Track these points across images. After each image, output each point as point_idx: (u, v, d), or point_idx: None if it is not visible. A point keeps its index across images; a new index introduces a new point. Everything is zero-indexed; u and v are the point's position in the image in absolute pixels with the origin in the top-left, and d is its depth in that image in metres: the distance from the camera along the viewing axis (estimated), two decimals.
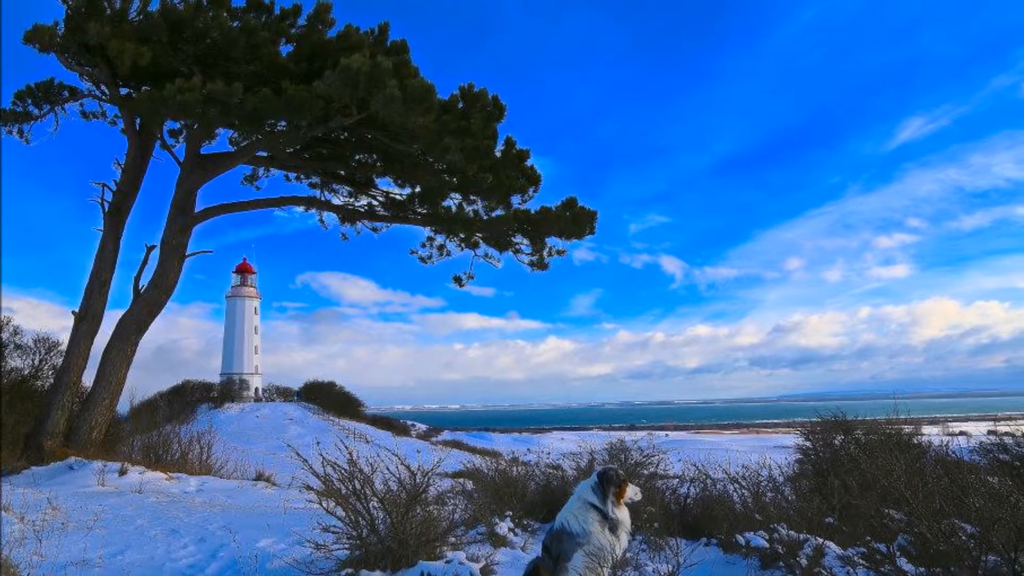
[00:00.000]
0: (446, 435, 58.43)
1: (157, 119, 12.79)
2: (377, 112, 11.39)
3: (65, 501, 8.18)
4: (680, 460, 10.11)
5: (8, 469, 10.85)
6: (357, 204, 15.83)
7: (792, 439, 14.19)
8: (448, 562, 4.68)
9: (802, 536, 5.34)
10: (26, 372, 14.67)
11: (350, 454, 5.33)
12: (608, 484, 4.02)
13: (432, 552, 4.97)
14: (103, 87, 13.35)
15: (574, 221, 13.73)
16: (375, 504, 5.03)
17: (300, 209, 16.11)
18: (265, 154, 14.97)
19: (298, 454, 5.66)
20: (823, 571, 4.79)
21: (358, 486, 5.07)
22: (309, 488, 5.33)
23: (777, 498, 7.29)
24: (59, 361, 13.76)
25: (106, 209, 13.73)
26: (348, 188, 15.84)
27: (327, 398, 54.49)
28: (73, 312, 13.31)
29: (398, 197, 15.24)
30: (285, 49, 13.17)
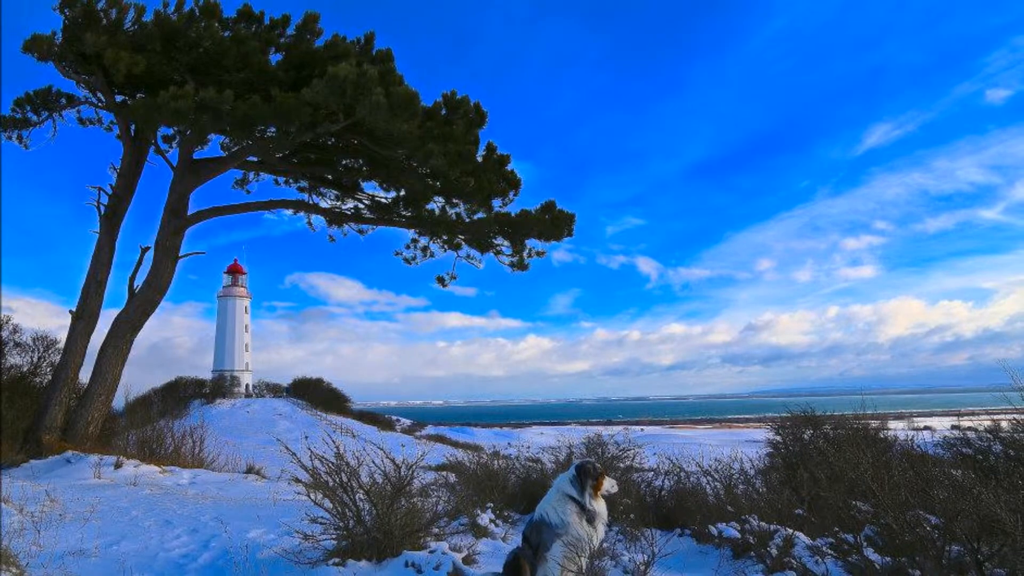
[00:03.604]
0: (430, 430, 59.01)
1: (151, 125, 12.87)
2: (363, 118, 11.54)
3: (63, 493, 8.31)
4: (655, 454, 10.27)
5: (7, 463, 10.95)
6: (344, 207, 15.88)
7: (763, 433, 14.46)
8: (431, 552, 4.81)
9: (772, 527, 5.53)
10: (25, 369, 14.73)
11: (337, 448, 5.37)
12: (586, 477, 4.10)
13: (416, 542, 5.08)
14: (99, 94, 13.50)
15: (553, 223, 13.87)
16: (361, 496, 5.09)
17: (289, 212, 16.16)
18: (255, 159, 15.04)
19: (287, 448, 5.73)
20: (793, 561, 4.88)
21: (345, 479, 5.13)
22: (297, 481, 5.30)
23: (748, 490, 7.53)
24: (57, 358, 13.80)
25: (102, 212, 13.81)
26: (335, 192, 15.92)
27: (315, 394, 54.90)
28: (71, 311, 13.37)
29: (383, 200, 15.33)
30: (275, 58, 13.26)
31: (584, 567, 4.11)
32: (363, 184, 15.61)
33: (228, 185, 16.72)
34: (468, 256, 15.44)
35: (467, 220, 14.62)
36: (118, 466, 10.86)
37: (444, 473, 11.92)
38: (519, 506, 7.94)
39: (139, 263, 14.17)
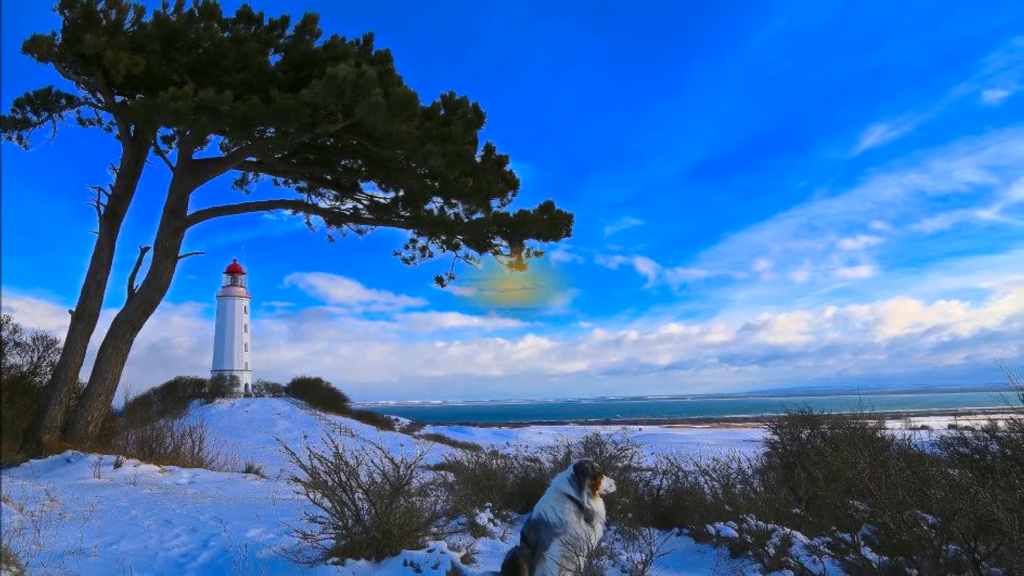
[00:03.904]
0: (428, 429, 59.25)
1: (151, 126, 12.87)
2: (362, 119, 11.56)
3: (62, 493, 8.33)
4: (653, 453, 10.18)
5: (8, 462, 10.97)
6: (343, 207, 15.89)
7: (761, 433, 14.52)
8: (430, 551, 4.82)
9: (770, 526, 5.53)
10: (25, 369, 14.76)
11: (336, 447, 5.37)
12: (584, 476, 4.12)
13: (415, 542, 5.08)
14: (99, 95, 13.50)
15: (551, 224, 13.88)
16: (360, 495, 5.09)
17: (288, 212, 16.16)
18: (254, 159, 15.05)
19: (286, 447, 5.75)
20: (790, 560, 4.86)
21: (344, 478, 5.12)
22: (297, 480, 5.31)
23: (746, 490, 7.53)
24: (57, 358, 13.82)
25: (102, 212, 13.83)
26: (334, 192, 15.93)
27: (314, 394, 55.13)
28: (70, 311, 13.39)
29: (382, 201, 15.35)
30: (274, 59, 13.28)
31: (582, 566, 4.12)
32: (362, 184, 15.63)
33: (227, 185, 16.76)
34: (467, 256, 15.45)
35: (466, 220, 14.63)
36: (118, 465, 10.89)
37: (443, 472, 11.87)
38: (517, 505, 7.92)
39: (139, 263, 14.22)
